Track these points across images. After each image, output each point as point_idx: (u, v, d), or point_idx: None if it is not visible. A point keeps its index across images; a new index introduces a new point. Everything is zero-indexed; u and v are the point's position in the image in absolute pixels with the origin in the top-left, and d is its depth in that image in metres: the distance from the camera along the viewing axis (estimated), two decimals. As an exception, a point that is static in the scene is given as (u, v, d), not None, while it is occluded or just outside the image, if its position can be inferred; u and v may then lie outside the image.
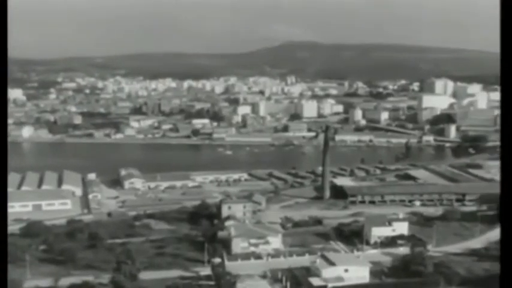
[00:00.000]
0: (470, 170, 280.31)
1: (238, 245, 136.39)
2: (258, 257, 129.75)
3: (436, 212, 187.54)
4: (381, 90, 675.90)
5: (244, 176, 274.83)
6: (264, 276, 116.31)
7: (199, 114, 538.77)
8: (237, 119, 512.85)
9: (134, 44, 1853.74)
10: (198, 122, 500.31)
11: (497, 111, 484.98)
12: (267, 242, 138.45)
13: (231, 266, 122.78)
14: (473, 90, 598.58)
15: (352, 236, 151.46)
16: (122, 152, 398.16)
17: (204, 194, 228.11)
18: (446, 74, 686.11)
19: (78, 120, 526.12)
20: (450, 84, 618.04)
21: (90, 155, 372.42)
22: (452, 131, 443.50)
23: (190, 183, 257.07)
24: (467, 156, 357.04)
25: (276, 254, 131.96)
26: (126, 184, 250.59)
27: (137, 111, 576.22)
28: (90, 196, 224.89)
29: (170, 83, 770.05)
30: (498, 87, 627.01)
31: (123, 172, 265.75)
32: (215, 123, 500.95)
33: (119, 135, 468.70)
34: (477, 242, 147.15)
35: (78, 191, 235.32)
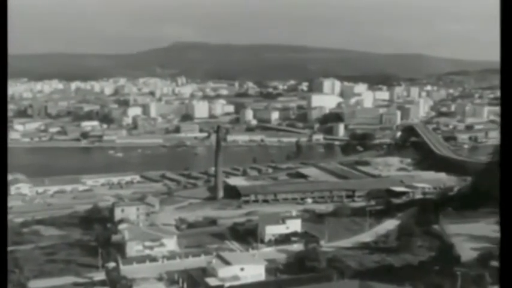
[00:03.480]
0: (359, 167, 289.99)
1: (133, 248, 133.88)
2: (154, 259, 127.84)
3: (327, 208, 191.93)
4: (270, 90, 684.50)
5: (137, 178, 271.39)
6: (160, 279, 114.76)
7: (88, 116, 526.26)
8: (128, 120, 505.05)
9: (17, 44, 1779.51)
10: (87, 125, 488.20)
11: (382, 110, 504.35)
12: (162, 244, 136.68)
13: (126, 269, 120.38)
14: (359, 89, 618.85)
15: (247, 235, 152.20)
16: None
17: (95, 198, 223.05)
18: (333, 74, 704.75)
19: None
20: (337, 84, 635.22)
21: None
22: (340, 130, 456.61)
23: (81, 187, 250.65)
24: (356, 154, 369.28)
25: (172, 255, 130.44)
26: (12, 189, 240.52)
27: (22, 114, 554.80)
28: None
29: (57, 84, 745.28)
30: (383, 87, 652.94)
31: (8, 177, 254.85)
32: (105, 125, 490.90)
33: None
34: (367, 236, 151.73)
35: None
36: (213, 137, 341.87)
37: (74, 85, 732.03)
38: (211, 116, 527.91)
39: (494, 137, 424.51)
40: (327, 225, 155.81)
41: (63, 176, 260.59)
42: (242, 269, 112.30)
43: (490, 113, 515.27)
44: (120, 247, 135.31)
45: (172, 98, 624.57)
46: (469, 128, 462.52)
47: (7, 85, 46.05)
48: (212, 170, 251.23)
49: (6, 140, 48.56)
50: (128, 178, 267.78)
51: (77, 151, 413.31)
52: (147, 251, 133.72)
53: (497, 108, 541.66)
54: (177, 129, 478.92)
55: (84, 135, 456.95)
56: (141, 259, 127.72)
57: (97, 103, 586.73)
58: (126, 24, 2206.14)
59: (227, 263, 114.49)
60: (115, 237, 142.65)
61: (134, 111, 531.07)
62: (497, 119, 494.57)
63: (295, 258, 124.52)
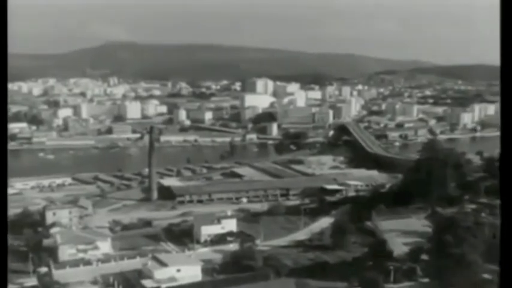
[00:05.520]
0: (293, 166, 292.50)
1: (66, 252, 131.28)
2: (88, 263, 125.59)
3: (262, 207, 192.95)
4: (204, 90, 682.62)
5: (68, 180, 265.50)
6: (95, 282, 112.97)
7: (16, 117, 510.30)
8: (58, 122, 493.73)
9: None
10: (15, 126, 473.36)
11: (315, 109, 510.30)
12: (96, 247, 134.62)
13: (59, 274, 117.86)
14: (292, 89, 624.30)
15: (183, 235, 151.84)
16: None
17: (25, 201, 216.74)
18: (266, 73, 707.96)
19: None
20: (270, 83, 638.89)
21: None
22: (274, 129, 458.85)
23: (10, 191, 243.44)
24: (289, 153, 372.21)
25: (106, 258, 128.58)
26: None
27: None
28: None
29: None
30: (315, 86, 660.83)
31: None
32: (34, 127, 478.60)
33: None
34: (302, 234, 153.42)
35: None
36: (146, 137, 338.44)
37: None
38: (144, 117, 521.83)
39: (423, 134, 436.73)
40: (262, 224, 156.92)
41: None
42: (178, 270, 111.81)
43: (419, 111, 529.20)
44: (52, 251, 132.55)
45: (104, 99, 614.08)
46: (399, 126, 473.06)
47: (7, 85, 45.39)
48: (146, 171, 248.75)
49: (6, 140, 47.55)
50: (59, 181, 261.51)
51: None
52: (81, 255, 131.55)
53: (426, 107, 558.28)
54: (109, 130, 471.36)
55: (12, 137, 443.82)
56: (75, 263, 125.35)
57: (25, 104, 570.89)
58: (54, 24, 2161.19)
59: (163, 264, 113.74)
60: (46, 242, 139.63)
61: (64, 112, 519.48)
62: (426, 117, 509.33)
63: (231, 258, 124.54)
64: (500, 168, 48.06)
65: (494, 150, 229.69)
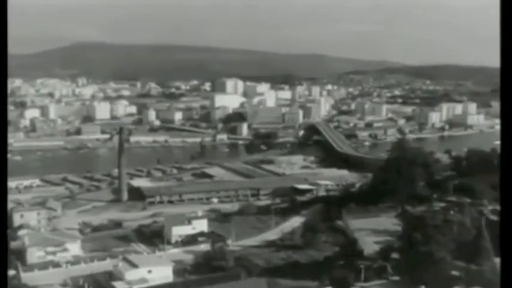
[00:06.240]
0: (263, 166, 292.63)
1: (34, 255, 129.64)
2: (57, 265, 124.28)
3: (233, 207, 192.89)
4: (173, 90, 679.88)
5: (36, 182, 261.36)
6: (64, 285, 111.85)
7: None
8: (25, 123, 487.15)
9: None
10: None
11: (285, 109, 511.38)
12: (65, 249, 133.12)
13: (27, 277, 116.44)
14: (262, 89, 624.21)
15: (153, 236, 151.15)
16: None
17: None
18: (236, 74, 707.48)
19: None
20: (240, 83, 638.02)
21: None
22: (244, 129, 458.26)
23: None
24: (260, 153, 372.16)
25: (76, 260, 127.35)
26: None
27: None
28: None
29: None
30: (285, 86, 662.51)
31: None
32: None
33: None
34: (273, 234, 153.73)
35: None
36: (116, 138, 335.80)
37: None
38: (113, 117, 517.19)
39: (392, 134, 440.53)
40: (233, 224, 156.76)
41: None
42: (149, 271, 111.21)
43: (388, 111, 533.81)
44: (20, 254, 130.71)
45: (73, 99, 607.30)
46: (369, 125, 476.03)
47: (7, 85, 45.28)
48: (115, 171, 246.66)
49: (6, 140, 46.88)
50: (27, 182, 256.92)
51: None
52: (50, 257, 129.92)
53: (395, 107, 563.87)
54: (78, 131, 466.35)
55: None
56: (43, 265, 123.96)
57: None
58: (22, 23, 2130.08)
59: (134, 265, 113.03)
60: (14, 244, 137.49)
61: (32, 113, 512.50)
62: (395, 116, 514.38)
63: (203, 259, 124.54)
64: (500, 168, 48.36)
65: (462, 149, 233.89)
